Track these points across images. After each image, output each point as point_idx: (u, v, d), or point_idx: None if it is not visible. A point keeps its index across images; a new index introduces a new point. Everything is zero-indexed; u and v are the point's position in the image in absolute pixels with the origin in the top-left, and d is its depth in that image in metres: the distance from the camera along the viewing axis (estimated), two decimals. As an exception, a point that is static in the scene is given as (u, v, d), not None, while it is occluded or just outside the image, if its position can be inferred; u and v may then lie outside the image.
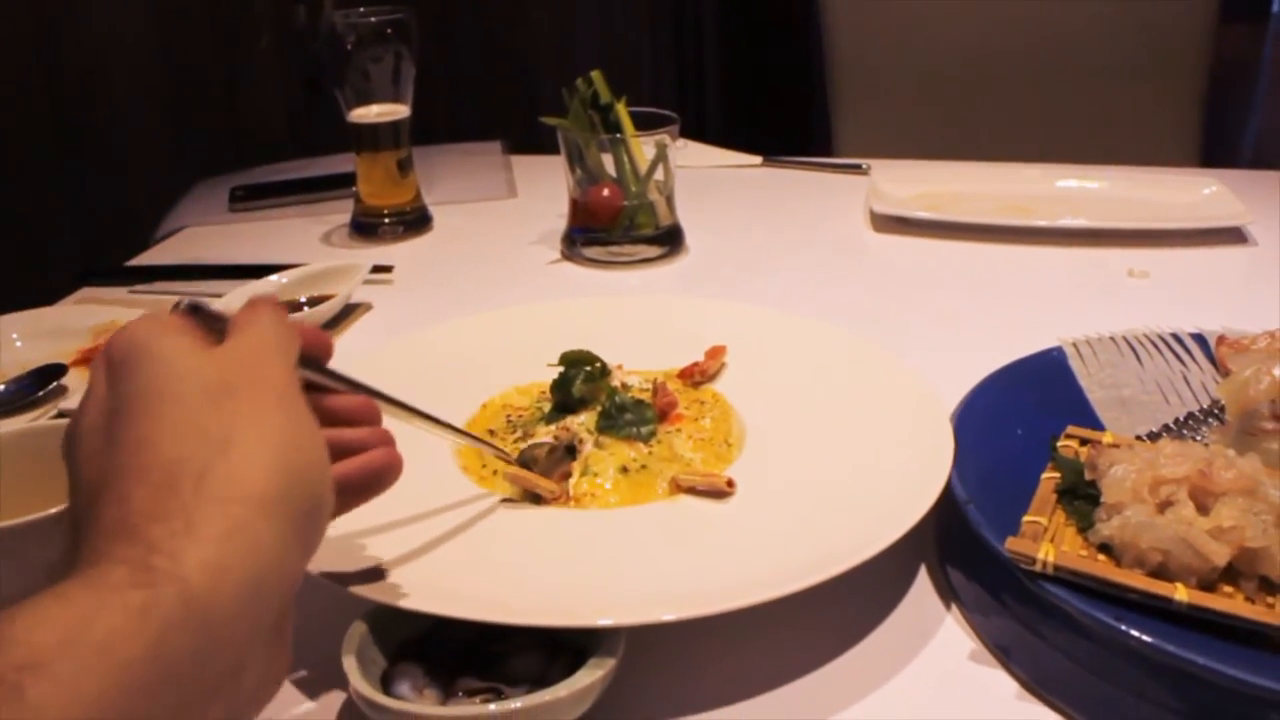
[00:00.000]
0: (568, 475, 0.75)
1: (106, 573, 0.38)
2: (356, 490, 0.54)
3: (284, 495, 0.43)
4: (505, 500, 0.72)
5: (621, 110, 1.24)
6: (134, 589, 0.37)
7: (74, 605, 0.36)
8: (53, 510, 0.59)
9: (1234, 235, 1.28)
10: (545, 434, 0.77)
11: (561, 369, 0.82)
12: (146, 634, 0.36)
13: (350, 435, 0.55)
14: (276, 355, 0.48)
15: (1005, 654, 0.63)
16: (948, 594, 0.69)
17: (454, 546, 0.66)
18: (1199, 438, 0.78)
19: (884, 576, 0.70)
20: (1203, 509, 0.61)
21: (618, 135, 1.23)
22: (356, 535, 0.67)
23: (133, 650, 0.36)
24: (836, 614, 0.67)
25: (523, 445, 0.77)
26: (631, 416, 0.78)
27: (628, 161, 1.24)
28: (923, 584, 0.71)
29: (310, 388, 0.53)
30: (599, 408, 0.80)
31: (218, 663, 0.39)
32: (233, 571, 0.40)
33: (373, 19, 1.29)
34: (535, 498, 0.73)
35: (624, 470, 0.75)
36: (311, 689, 0.63)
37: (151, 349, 0.45)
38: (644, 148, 1.24)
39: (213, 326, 0.49)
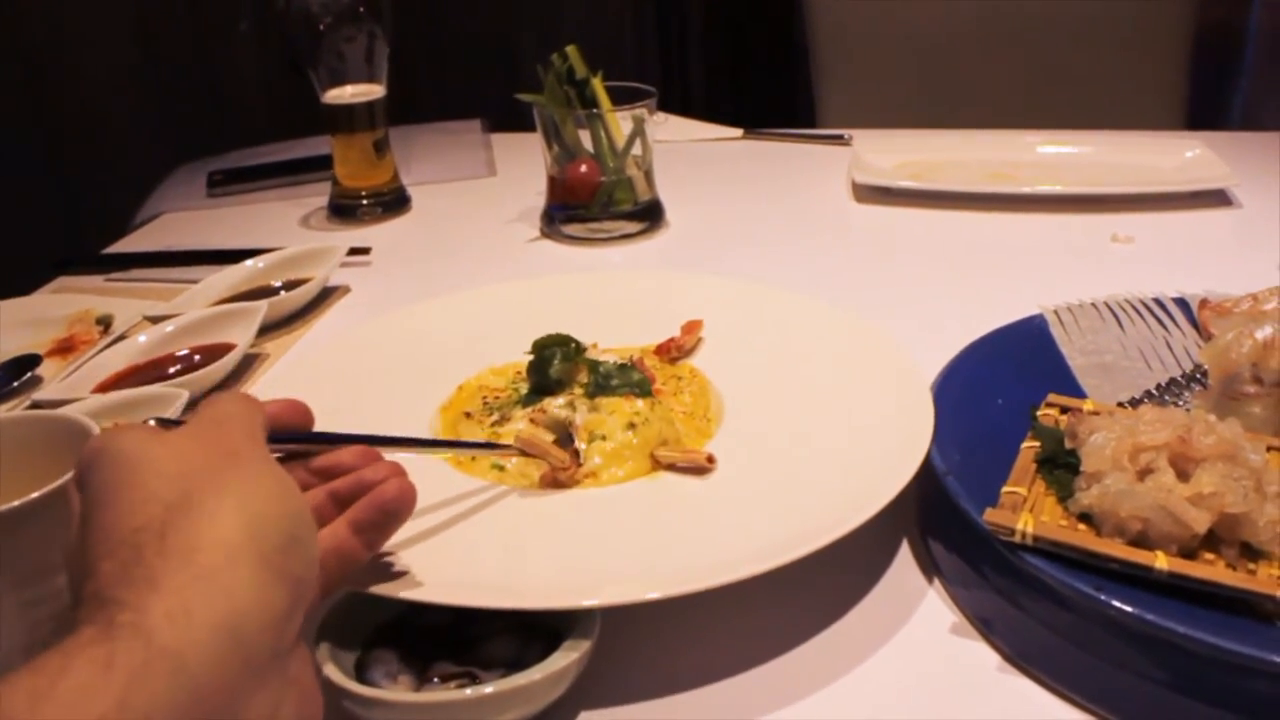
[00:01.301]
0: (575, 454, 0.73)
1: (75, 637, 0.39)
2: (377, 525, 0.56)
3: (253, 538, 0.44)
4: (482, 484, 0.71)
5: (598, 85, 1.22)
6: (99, 645, 0.38)
7: (43, 671, 0.37)
8: (39, 493, 0.58)
9: (1218, 198, 1.27)
10: (521, 417, 0.76)
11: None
12: (114, 686, 0.37)
13: (368, 476, 0.57)
14: (235, 423, 0.51)
15: (986, 626, 0.63)
16: (929, 567, 0.69)
17: (428, 530, 0.65)
18: (1181, 403, 0.77)
19: (866, 550, 0.69)
20: (1183, 475, 0.61)
21: (594, 111, 1.22)
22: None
23: (101, 704, 0.36)
24: (819, 588, 0.66)
25: (500, 429, 0.76)
26: (619, 381, 0.77)
27: (605, 137, 1.23)
28: (904, 557, 0.70)
29: (301, 455, 0.58)
30: (577, 388, 0.78)
31: (204, 707, 0.39)
32: (203, 616, 0.40)
33: (345, -1, 1.27)
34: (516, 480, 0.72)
35: (631, 426, 0.73)
36: (286, 678, 0.62)
37: (109, 449, 0.47)
38: (621, 122, 1.23)
39: (174, 424, 0.52)
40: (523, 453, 0.71)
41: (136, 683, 0.37)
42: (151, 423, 0.53)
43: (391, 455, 0.60)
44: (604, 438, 0.73)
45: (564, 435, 0.74)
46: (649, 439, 0.73)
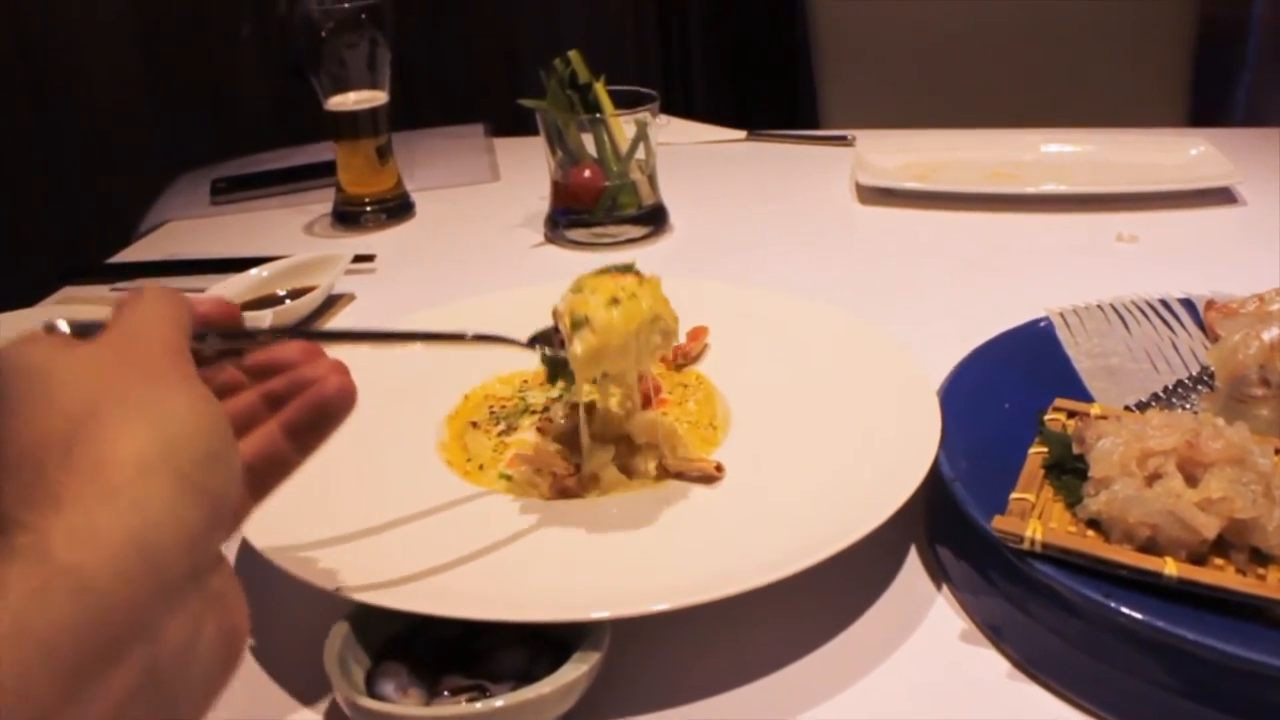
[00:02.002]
0: (577, 468, 0.73)
1: None
2: (312, 427, 0.53)
3: (168, 452, 0.41)
4: (489, 493, 0.71)
5: (600, 89, 1.22)
6: None
7: None
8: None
9: (1223, 195, 1.27)
10: (528, 426, 0.76)
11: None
12: (6, 610, 0.34)
13: (305, 374, 0.53)
14: (154, 330, 0.46)
15: (996, 633, 0.63)
16: (938, 573, 0.69)
17: (437, 542, 0.66)
18: (1189, 406, 0.77)
19: (874, 557, 0.69)
20: (1192, 480, 0.60)
21: (597, 115, 1.22)
22: (337, 534, 0.66)
23: None
24: (827, 596, 0.66)
25: (507, 438, 0.75)
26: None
27: (608, 141, 1.22)
28: (913, 564, 0.70)
29: (233, 353, 0.54)
30: None
31: (113, 629, 0.37)
32: (110, 533, 0.38)
33: (346, 5, 1.27)
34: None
35: (614, 301, 0.67)
36: (297, 691, 0.62)
37: (12, 360, 0.43)
38: (624, 127, 1.23)
39: (87, 333, 0.48)
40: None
41: (34, 605, 0.35)
42: (64, 328, 0.48)
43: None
44: (586, 321, 0.67)
45: (572, 443, 0.74)
46: (636, 317, 0.67)
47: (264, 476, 0.53)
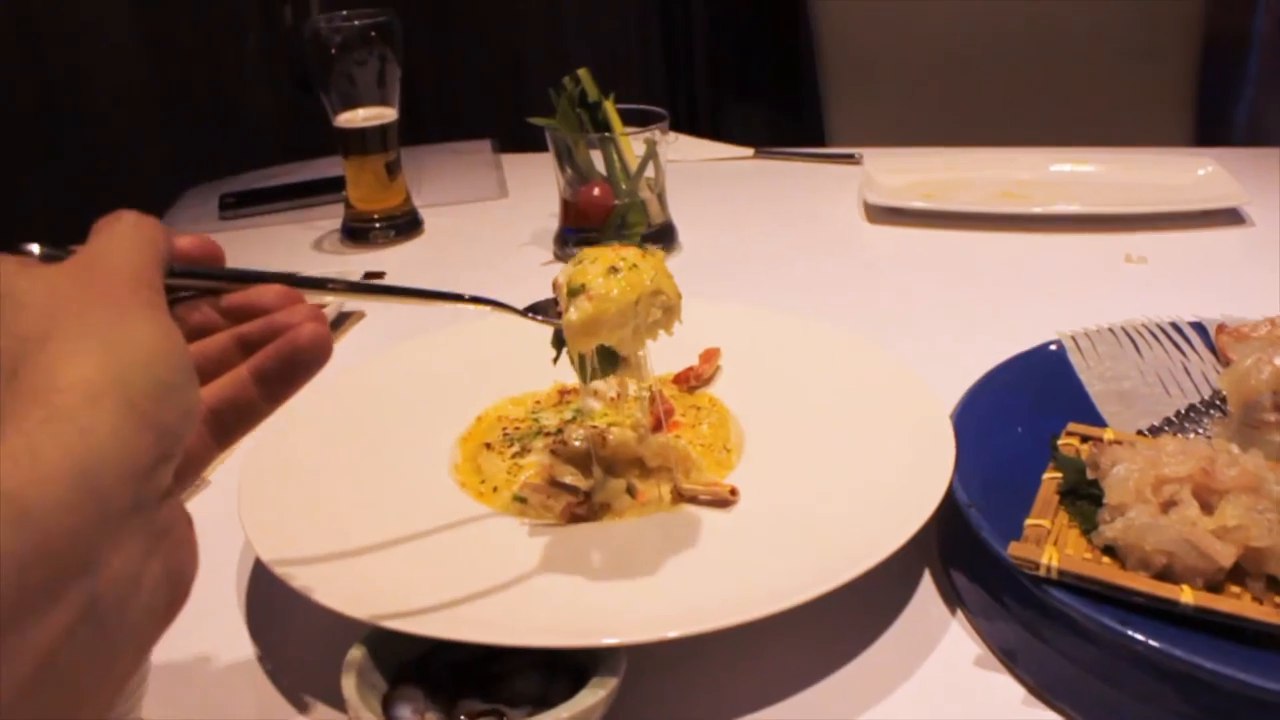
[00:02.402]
0: (588, 495, 0.73)
1: None
2: (282, 375, 0.51)
3: (118, 381, 0.39)
4: (504, 516, 0.72)
5: (610, 108, 1.23)
6: None
7: None
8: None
9: (1231, 216, 1.27)
10: (541, 448, 0.76)
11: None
12: None
13: (280, 320, 0.51)
14: (122, 259, 0.44)
15: (1011, 659, 0.63)
16: (952, 598, 0.69)
17: (452, 565, 0.66)
18: (1201, 430, 0.77)
19: (889, 581, 0.69)
20: (1207, 507, 0.61)
21: (607, 134, 1.22)
22: (352, 555, 0.66)
23: None
24: (842, 621, 0.66)
25: (521, 460, 0.76)
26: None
27: (617, 160, 1.23)
28: (927, 588, 0.70)
29: (211, 293, 0.52)
30: None
31: (52, 559, 0.36)
32: (52, 459, 0.36)
33: (356, 23, 1.28)
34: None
35: (613, 270, 0.64)
36: (313, 714, 0.62)
37: None
38: (633, 145, 1.23)
39: (58, 256, 0.46)
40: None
41: None
42: (34, 251, 0.47)
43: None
44: (583, 289, 0.64)
45: (585, 466, 0.74)
46: (635, 287, 0.64)
47: (229, 423, 0.51)
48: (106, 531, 0.38)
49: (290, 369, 0.51)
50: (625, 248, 0.67)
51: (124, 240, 0.45)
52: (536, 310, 0.69)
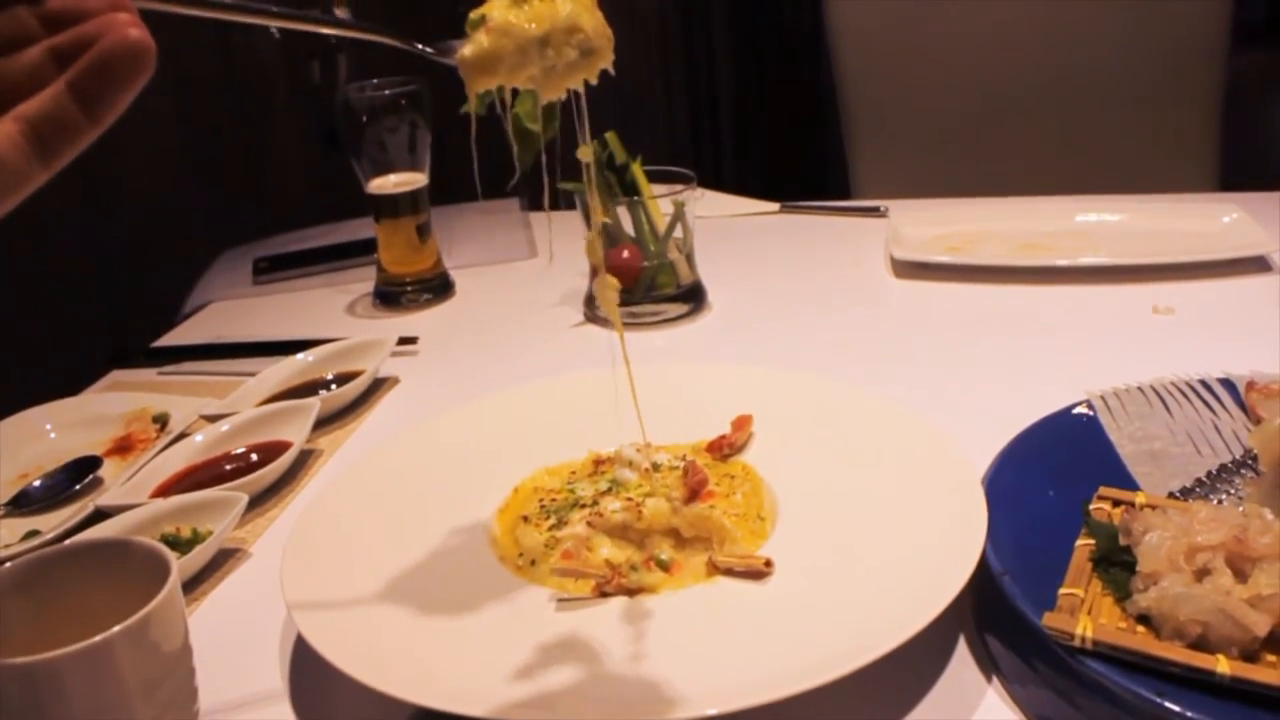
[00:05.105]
0: (617, 570, 0.73)
1: None
2: (99, 87, 0.46)
3: None
4: (542, 588, 0.73)
5: (637, 170, 1.24)
6: None
7: None
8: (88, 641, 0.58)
9: (1258, 264, 1.27)
10: (579, 520, 0.77)
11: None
12: None
13: (91, 29, 0.46)
14: None
15: (1048, 728, 0.63)
16: (988, 664, 0.69)
17: (494, 644, 0.67)
18: (1233, 490, 0.77)
19: (925, 648, 0.69)
20: (1240, 575, 0.61)
21: (635, 199, 1.23)
22: (395, 632, 0.68)
23: None
24: (879, 689, 0.67)
25: (558, 533, 0.76)
26: None
27: (646, 222, 1.24)
28: (962, 654, 0.70)
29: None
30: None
31: None
32: None
33: (386, 92, 1.30)
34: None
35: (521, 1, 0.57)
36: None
37: None
38: (660, 206, 1.25)
39: None
40: None
41: None
42: None
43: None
44: (482, 21, 0.57)
45: (624, 537, 0.76)
46: (544, 20, 0.57)
47: (51, 141, 0.46)
48: None
49: (107, 80, 0.46)
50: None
51: None
52: (441, 52, 0.60)
